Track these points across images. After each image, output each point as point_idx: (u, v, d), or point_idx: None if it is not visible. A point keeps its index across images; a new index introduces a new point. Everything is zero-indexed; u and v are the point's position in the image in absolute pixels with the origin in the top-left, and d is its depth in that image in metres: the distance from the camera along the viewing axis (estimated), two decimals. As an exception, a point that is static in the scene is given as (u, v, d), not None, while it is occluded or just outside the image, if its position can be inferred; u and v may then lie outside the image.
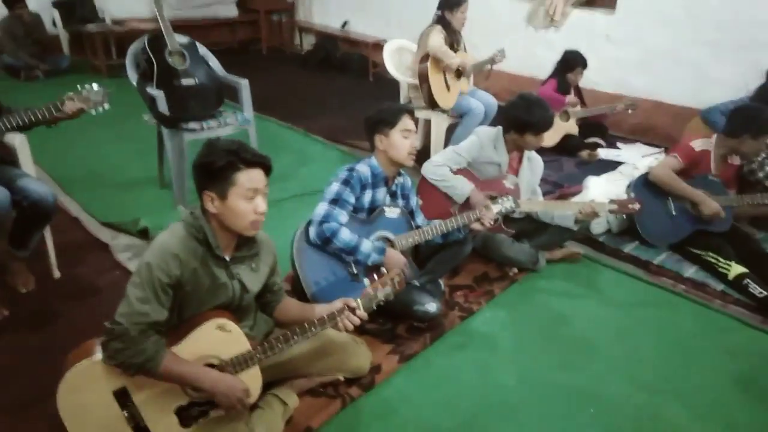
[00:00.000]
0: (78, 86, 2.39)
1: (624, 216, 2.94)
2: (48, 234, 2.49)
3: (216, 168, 1.54)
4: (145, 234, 2.89)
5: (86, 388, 1.51)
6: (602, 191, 3.28)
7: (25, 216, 2.22)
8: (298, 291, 2.18)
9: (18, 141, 2.35)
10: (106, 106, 2.45)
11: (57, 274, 2.58)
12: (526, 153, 2.83)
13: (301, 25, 7.81)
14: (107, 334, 1.47)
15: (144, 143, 3.97)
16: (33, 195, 2.19)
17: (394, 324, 2.34)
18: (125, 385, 1.54)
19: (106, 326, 1.48)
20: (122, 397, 1.54)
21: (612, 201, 2.64)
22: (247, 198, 1.57)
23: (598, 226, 3.16)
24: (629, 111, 4.42)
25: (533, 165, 2.87)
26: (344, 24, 7.23)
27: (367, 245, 2.16)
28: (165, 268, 1.51)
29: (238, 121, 3.31)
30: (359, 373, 2.02)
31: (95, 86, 2.42)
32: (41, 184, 2.24)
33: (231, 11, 7.47)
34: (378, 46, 6.67)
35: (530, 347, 2.31)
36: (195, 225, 1.60)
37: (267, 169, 1.63)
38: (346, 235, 2.13)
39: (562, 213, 2.75)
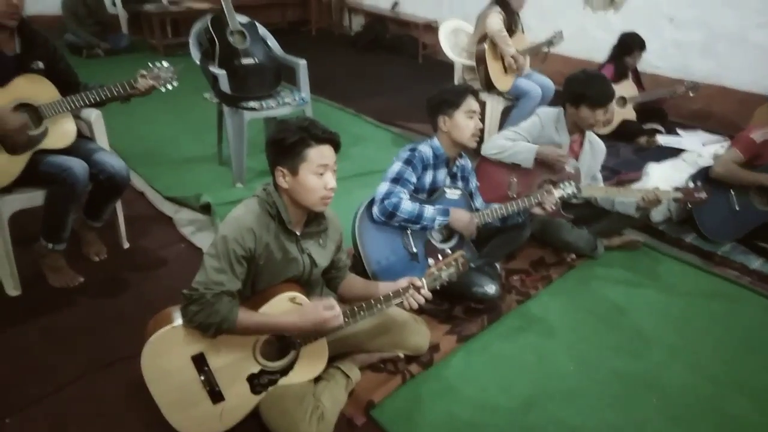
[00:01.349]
0: (149, 64, 2.46)
1: (688, 205, 2.86)
2: (119, 206, 2.60)
3: (288, 144, 1.58)
4: (207, 209, 2.98)
5: (167, 352, 1.59)
6: (664, 179, 3.19)
7: (100, 188, 2.32)
8: (358, 268, 2.21)
9: (94, 116, 2.45)
10: (175, 83, 2.51)
11: (126, 244, 2.70)
12: (588, 137, 2.78)
13: (350, 6, 7.81)
14: (185, 299, 1.54)
15: (202, 121, 4.08)
16: (109, 168, 2.28)
17: (451, 305, 2.36)
18: (203, 351, 1.61)
19: (184, 293, 1.55)
20: (199, 363, 1.62)
21: (677, 189, 2.57)
22: (317, 174, 1.61)
23: (658, 214, 3.08)
24: (690, 93, 4.26)
25: (595, 149, 2.81)
26: (394, 5, 7.18)
27: (430, 210, 2.19)
28: (240, 241, 1.57)
29: (296, 101, 3.35)
30: (418, 351, 2.05)
31: (165, 64, 2.48)
32: (116, 158, 2.34)
33: (282, -8, 7.53)
34: (429, 28, 6.63)
35: (588, 334, 2.29)
36: (268, 200, 1.65)
37: (336, 146, 1.67)
38: (408, 206, 2.15)
39: (624, 199, 2.70)
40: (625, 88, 4.29)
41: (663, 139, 4.34)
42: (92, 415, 1.79)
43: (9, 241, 2.25)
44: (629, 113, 4.36)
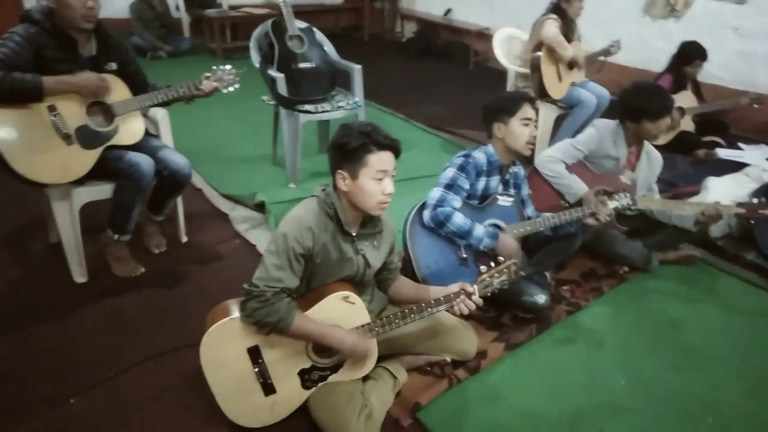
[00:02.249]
0: (213, 66, 2.56)
1: (750, 222, 2.75)
2: (180, 202, 2.71)
3: (350, 149, 1.61)
4: (261, 207, 3.06)
5: (225, 343, 1.65)
6: (725, 193, 3.08)
7: (164, 184, 2.43)
8: (407, 271, 2.23)
9: (161, 115, 2.57)
10: (237, 85, 2.61)
11: (184, 238, 2.81)
12: (645, 148, 2.72)
13: (403, 13, 7.87)
14: (246, 294, 1.60)
15: (258, 122, 4.20)
16: (173, 165, 2.39)
17: (498, 312, 2.35)
18: (258, 344, 1.67)
19: (245, 287, 1.61)
20: (254, 355, 1.67)
21: (740, 204, 2.48)
22: (376, 179, 1.63)
23: (717, 229, 2.98)
24: (755, 105, 4.10)
25: (651, 161, 2.75)
26: (447, 12, 7.19)
27: (480, 230, 2.18)
28: (299, 239, 1.61)
29: (350, 105, 3.41)
30: (466, 356, 2.05)
31: (227, 67, 2.58)
32: (180, 156, 2.44)
33: (337, -2, 7.68)
34: (481, 35, 6.62)
35: (641, 348, 2.24)
36: (327, 201, 1.69)
37: (397, 152, 1.69)
38: (459, 219, 2.16)
39: (681, 213, 2.63)
40: (684, 99, 4.16)
41: (723, 153, 4.19)
42: (151, 400, 1.87)
43: (79, 231, 2.38)
44: (687, 124, 4.22)
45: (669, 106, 2.53)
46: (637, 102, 2.54)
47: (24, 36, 2.07)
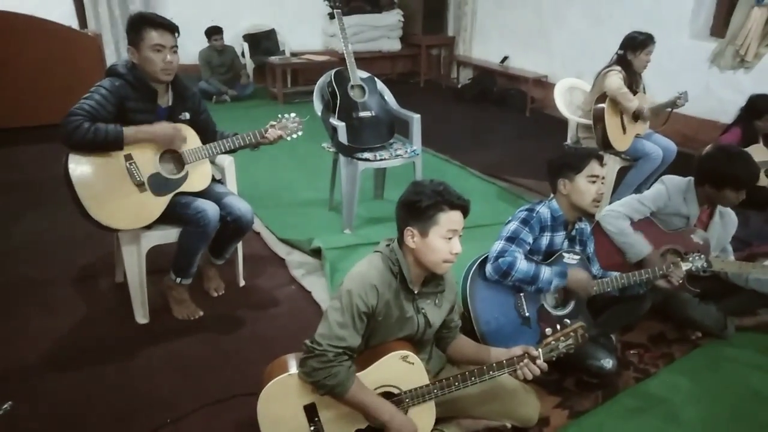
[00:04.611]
0: (278, 115, 2.64)
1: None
2: (240, 246, 2.75)
3: (422, 207, 1.61)
4: (317, 253, 3.08)
5: (282, 399, 1.63)
6: (807, 255, 2.88)
7: (227, 229, 2.47)
8: (466, 327, 2.17)
9: (227, 163, 2.65)
10: (300, 133, 2.68)
11: (242, 282, 2.84)
12: (718, 207, 2.59)
13: (459, 60, 7.96)
14: (307, 352, 1.58)
15: (316, 168, 4.27)
16: (236, 212, 2.44)
17: (561, 375, 2.24)
18: (315, 402, 1.64)
19: (307, 344, 1.59)
20: (311, 413, 1.64)
21: (827, 269, 2.31)
22: (446, 238, 1.63)
23: (800, 295, 2.77)
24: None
25: (726, 220, 2.61)
26: (504, 59, 7.23)
27: (546, 272, 2.11)
28: (364, 297, 1.60)
29: (408, 153, 3.42)
30: (527, 423, 1.95)
31: (292, 115, 2.66)
32: (244, 203, 2.49)
33: (394, 45, 7.85)
34: (538, 82, 6.61)
35: (720, 424, 2.07)
36: (392, 258, 1.68)
37: (466, 212, 1.67)
38: (523, 265, 2.09)
39: (760, 276, 2.46)
40: (756, 153, 3.94)
41: (802, 210, 3.94)
42: (206, 450, 1.86)
43: (144, 273, 2.44)
44: (762, 179, 4.01)
45: (756, 176, 2.42)
46: (721, 168, 2.41)
47: (109, 89, 2.20)
